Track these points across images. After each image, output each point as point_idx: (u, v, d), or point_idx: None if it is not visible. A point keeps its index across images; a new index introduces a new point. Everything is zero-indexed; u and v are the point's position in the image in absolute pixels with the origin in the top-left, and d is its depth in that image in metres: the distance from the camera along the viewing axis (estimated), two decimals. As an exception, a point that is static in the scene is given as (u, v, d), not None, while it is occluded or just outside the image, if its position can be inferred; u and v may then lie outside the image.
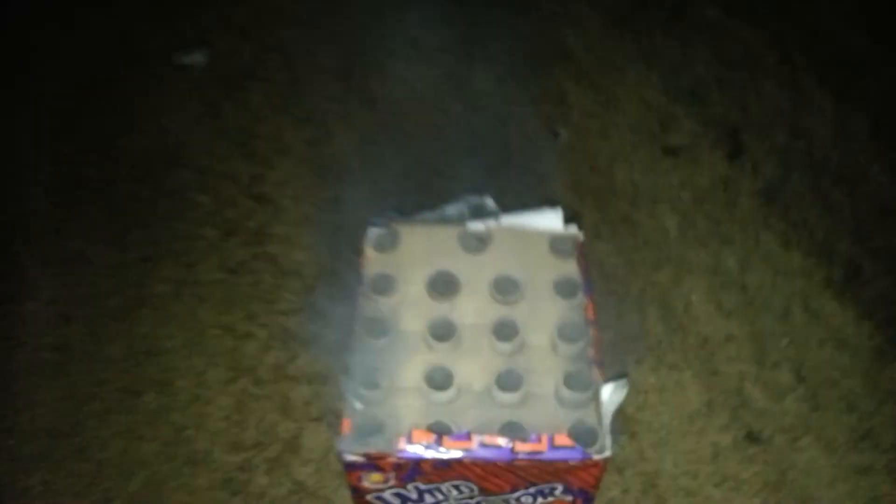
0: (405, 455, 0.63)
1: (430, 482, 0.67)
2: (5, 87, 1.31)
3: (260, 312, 1.01)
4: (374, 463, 0.64)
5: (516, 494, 0.68)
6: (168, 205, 1.16)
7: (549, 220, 0.81)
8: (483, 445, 0.63)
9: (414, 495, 0.69)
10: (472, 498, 0.69)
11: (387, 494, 0.69)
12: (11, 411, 0.90)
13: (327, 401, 0.90)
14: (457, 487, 0.68)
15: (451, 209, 0.82)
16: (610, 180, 1.19)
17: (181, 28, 1.45)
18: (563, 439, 0.63)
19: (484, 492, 0.68)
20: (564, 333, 0.71)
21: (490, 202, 0.83)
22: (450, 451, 0.63)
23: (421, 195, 1.05)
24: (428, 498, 0.69)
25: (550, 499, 0.69)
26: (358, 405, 0.66)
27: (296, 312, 1.01)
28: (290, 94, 1.34)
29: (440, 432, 0.63)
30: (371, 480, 0.67)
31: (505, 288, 0.75)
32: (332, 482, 0.85)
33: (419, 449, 0.63)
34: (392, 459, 0.63)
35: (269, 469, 0.86)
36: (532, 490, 0.68)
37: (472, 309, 0.74)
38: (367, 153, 1.23)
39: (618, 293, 1.02)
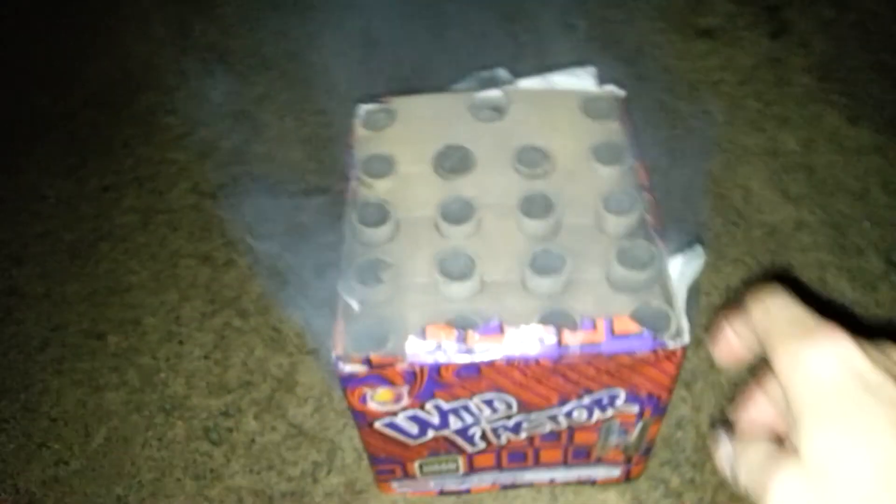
0: (419, 359, 0.47)
1: (455, 398, 0.51)
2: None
3: (241, 238, 0.86)
4: (380, 373, 0.48)
5: (566, 408, 0.53)
6: (132, 130, 1.01)
7: (581, 81, 0.65)
8: (521, 339, 0.47)
9: (435, 418, 0.54)
10: (509, 417, 0.54)
11: (401, 419, 0.53)
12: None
13: (324, 329, 0.75)
14: (489, 404, 0.52)
15: (458, 87, 0.66)
16: (639, 68, 1.02)
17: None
18: (625, 324, 0.47)
19: (524, 407, 0.53)
20: (612, 205, 0.55)
21: (504, 73, 0.67)
22: (477, 350, 0.47)
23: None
24: (453, 421, 0.54)
25: (610, 412, 0.54)
26: (355, 304, 0.51)
27: (283, 234, 0.85)
28: (266, 8, 1.18)
29: (464, 327, 0.48)
30: (379, 400, 0.51)
31: (531, 159, 0.59)
32: (335, 422, 0.70)
33: (437, 348, 0.47)
34: (403, 366, 0.48)
35: (259, 412, 0.71)
36: (587, 400, 0.52)
37: (492, 186, 0.58)
38: (358, 60, 1.07)
39: (662, 186, 0.85)
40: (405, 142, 0.61)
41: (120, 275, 0.84)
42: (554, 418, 0.54)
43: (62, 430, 0.72)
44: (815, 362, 0.28)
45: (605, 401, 0.52)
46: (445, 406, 0.52)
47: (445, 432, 0.55)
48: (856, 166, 0.88)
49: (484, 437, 0.56)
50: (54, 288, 0.83)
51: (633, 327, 0.47)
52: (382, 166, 0.59)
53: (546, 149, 0.59)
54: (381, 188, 0.58)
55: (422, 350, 0.47)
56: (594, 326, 0.47)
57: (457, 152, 0.60)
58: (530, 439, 0.57)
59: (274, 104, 1.02)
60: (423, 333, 0.47)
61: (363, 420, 0.53)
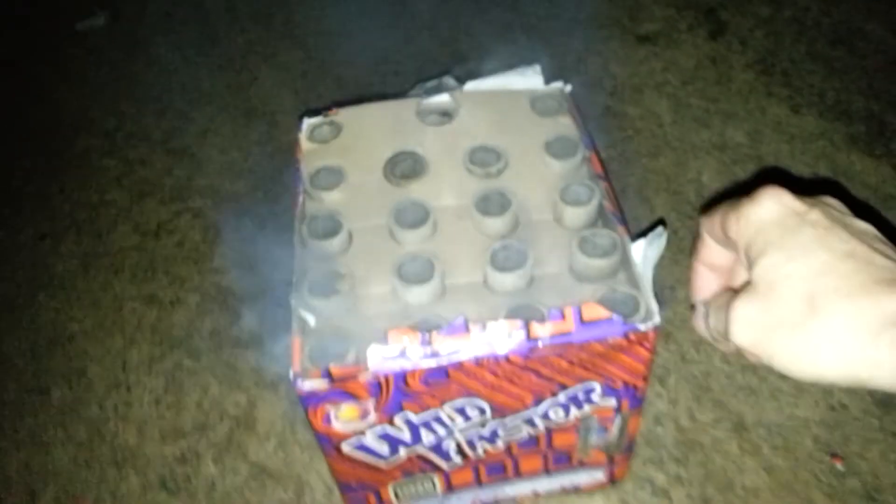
0: (383, 368, 0.44)
1: (425, 408, 0.48)
2: None
3: (189, 275, 0.82)
4: (342, 387, 0.45)
5: (542, 408, 0.50)
6: (68, 175, 0.96)
7: (527, 79, 0.63)
8: (487, 336, 0.45)
9: (406, 434, 0.50)
10: (483, 425, 0.51)
11: (369, 439, 0.50)
12: None
13: (272, 362, 0.72)
14: (461, 412, 0.49)
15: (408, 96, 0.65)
16: (582, 76, 1.02)
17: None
18: (594, 311, 0.45)
19: (498, 411, 0.50)
20: (570, 197, 0.53)
21: (450, 80, 0.65)
22: (444, 351, 0.44)
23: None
24: (425, 434, 0.51)
25: (588, 408, 0.51)
26: (311, 319, 0.48)
27: (234, 267, 0.82)
28: (204, 44, 1.16)
29: (427, 330, 0.45)
30: (344, 418, 0.48)
31: (484, 159, 0.57)
32: (301, 457, 0.66)
33: (401, 354, 0.44)
34: (366, 377, 0.45)
35: (218, 454, 0.67)
36: (562, 398, 0.50)
37: (446, 188, 0.55)
38: (299, 90, 1.05)
39: (616, 187, 0.84)
40: (353, 152, 0.59)
41: (61, 324, 0.79)
42: (530, 421, 0.51)
43: (4, 496, 0.66)
44: (759, 212, 0.34)
45: (581, 396, 0.50)
46: (415, 419, 0.49)
47: (418, 449, 0.52)
48: (804, 152, 0.88)
49: (459, 450, 0.53)
50: (-10, 344, 0.78)
51: (603, 313, 0.45)
52: (331, 178, 0.57)
53: (498, 148, 0.57)
54: (330, 200, 0.56)
55: (385, 357, 0.44)
56: (563, 316, 0.45)
57: (407, 158, 0.58)
58: (508, 448, 0.54)
59: (215, 138, 0.99)
60: (385, 340, 0.44)
61: (329, 444, 0.50)
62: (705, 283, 0.43)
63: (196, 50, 1.15)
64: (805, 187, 0.37)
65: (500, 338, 0.44)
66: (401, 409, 0.48)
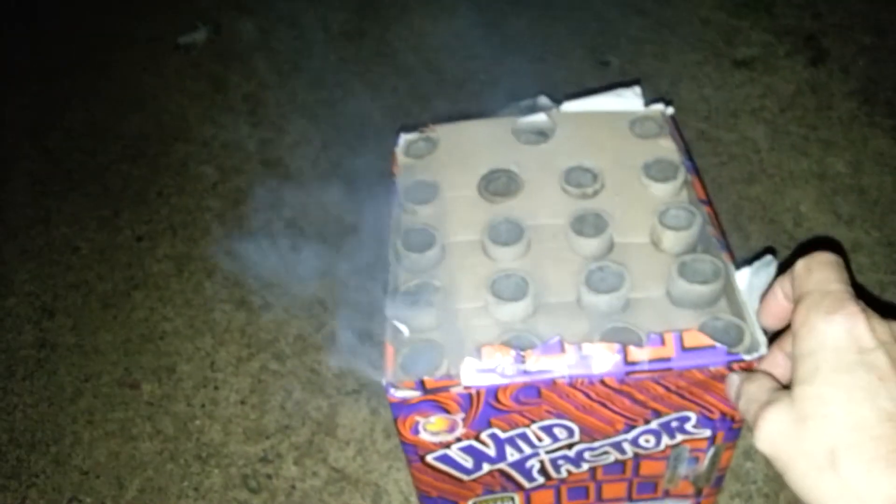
0: (475, 382, 0.44)
1: (513, 426, 0.48)
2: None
3: (277, 281, 0.84)
4: (433, 399, 0.45)
5: (632, 434, 0.49)
6: (166, 181, 1.00)
7: (626, 101, 0.62)
8: (583, 357, 0.44)
9: (492, 450, 0.50)
10: (570, 447, 0.50)
11: (454, 452, 0.50)
12: (-19, 420, 0.74)
13: (365, 369, 0.72)
14: (548, 431, 0.48)
15: (500, 114, 0.65)
16: (676, 100, 1.00)
17: (179, 11, 1.33)
18: (696, 338, 0.44)
19: (587, 433, 0.49)
20: (669, 220, 0.52)
21: (545, 99, 0.65)
22: (537, 370, 0.44)
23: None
24: (510, 452, 0.50)
25: (680, 437, 0.49)
26: (405, 329, 0.48)
27: (320, 276, 0.83)
28: (299, 60, 1.19)
29: (521, 347, 0.45)
30: (432, 429, 0.48)
31: (580, 179, 0.56)
32: (379, 465, 0.66)
33: (494, 370, 0.44)
34: (458, 390, 0.44)
35: (299, 457, 0.68)
36: (654, 425, 0.48)
37: (540, 207, 0.55)
38: (388, 106, 1.07)
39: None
40: (448, 167, 0.59)
41: (154, 322, 0.82)
42: (619, 447, 0.50)
43: (94, 482, 0.69)
44: (827, 332, 0.33)
45: (675, 424, 0.48)
46: (502, 435, 0.48)
47: (502, 465, 0.51)
48: (910, 186, 0.84)
49: (543, 470, 0.52)
50: (87, 338, 0.81)
51: (705, 341, 0.43)
52: (426, 192, 0.57)
53: (594, 169, 0.57)
54: (425, 214, 0.56)
55: (478, 371, 0.44)
56: (662, 342, 0.43)
57: (502, 175, 0.58)
58: (592, 472, 0.52)
59: (307, 150, 1.02)
60: (478, 354, 0.44)
61: (414, 454, 0.50)
62: (776, 308, 0.41)
63: (291, 65, 1.18)
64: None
65: (597, 359, 0.43)
66: (489, 425, 0.47)
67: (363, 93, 1.11)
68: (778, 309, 0.40)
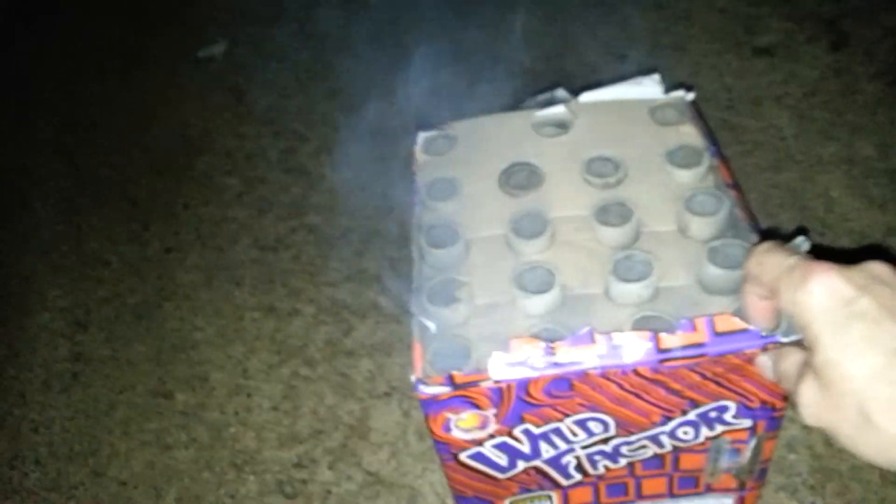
0: (505, 375, 0.44)
1: (546, 420, 0.47)
2: (17, 100, 1.22)
3: (305, 287, 0.84)
4: (463, 394, 0.45)
5: (670, 427, 0.48)
6: (192, 192, 1.01)
7: (645, 89, 0.62)
8: (614, 347, 0.43)
9: (525, 446, 0.49)
10: (606, 442, 0.49)
11: (488, 449, 0.49)
12: (18, 436, 0.75)
13: (395, 372, 0.72)
14: (583, 425, 0.48)
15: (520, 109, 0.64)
16: (697, 90, 0.99)
17: (198, 25, 1.34)
18: (729, 323, 0.43)
19: (623, 426, 0.48)
20: (696, 206, 0.51)
21: (563, 92, 0.64)
22: (568, 361, 0.43)
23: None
24: (545, 448, 0.50)
25: (719, 428, 0.49)
26: (432, 326, 0.48)
27: (346, 281, 0.84)
28: (319, 70, 1.20)
29: (551, 339, 0.44)
30: (463, 426, 0.47)
31: (602, 169, 0.56)
32: (413, 467, 0.66)
33: (524, 362, 0.44)
34: (488, 384, 0.44)
35: (333, 461, 0.68)
36: (692, 416, 0.48)
37: (563, 199, 0.54)
38: (408, 112, 1.07)
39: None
40: (468, 163, 0.59)
41: (185, 332, 0.82)
42: (656, 439, 0.49)
43: (132, 493, 0.69)
44: (808, 299, 0.34)
45: (714, 415, 0.47)
46: (536, 430, 0.48)
47: (537, 462, 0.51)
48: (942, 166, 0.82)
49: (579, 466, 0.51)
50: (120, 350, 0.82)
51: (738, 325, 0.43)
52: (446, 189, 0.57)
53: (616, 158, 0.56)
54: (446, 210, 0.56)
55: (507, 365, 0.44)
56: (694, 327, 0.43)
57: (523, 169, 0.57)
58: (631, 467, 0.52)
59: (329, 158, 1.02)
60: (507, 347, 0.44)
61: (447, 452, 0.49)
62: (758, 310, 0.41)
63: (310, 75, 1.19)
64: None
65: (628, 348, 0.43)
66: (521, 420, 0.47)
67: (383, 99, 1.11)
68: (762, 310, 0.40)
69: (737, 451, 0.51)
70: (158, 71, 1.26)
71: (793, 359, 0.37)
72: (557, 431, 0.48)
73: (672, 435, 0.49)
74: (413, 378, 0.45)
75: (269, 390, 0.75)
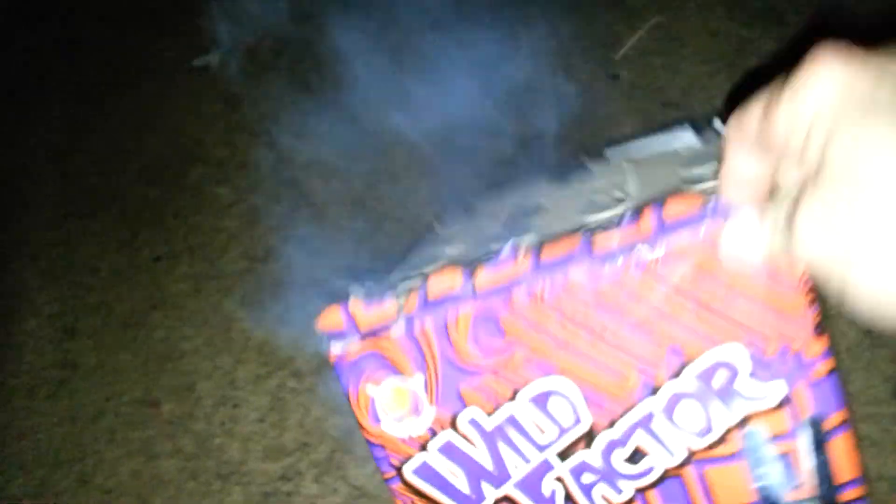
0: (411, 312, 0.36)
1: (492, 397, 0.37)
2: (9, 108, 1.22)
3: (294, 298, 0.84)
4: (377, 349, 0.38)
5: (661, 401, 0.35)
6: (183, 202, 1.01)
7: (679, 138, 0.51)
8: (541, 262, 0.35)
9: (483, 452, 0.39)
10: (588, 443, 0.37)
11: (435, 457, 0.39)
12: (3, 442, 0.75)
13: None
14: (542, 404, 0.37)
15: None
16: (688, 111, 1.00)
17: (194, 34, 1.35)
18: (681, 206, 0.34)
19: (595, 400, 0.36)
20: None
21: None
22: (484, 287, 0.36)
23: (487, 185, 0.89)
24: (510, 458, 0.38)
25: (741, 407, 0.35)
26: (360, 290, 0.41)
27: (335, 294, 0.84)
28: (314, 80, 1.20)
29: (471, 265, 0.37)
30: (392, 410, 0.39)
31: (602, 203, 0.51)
32: (398, 482, 0.66)
33: (438, 298, 0.36)
34: (399, 329, 0.37)
35: (318, 474, 0.68)
36: (688, 380, 0.34)
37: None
38: (410, 128, 1.08)
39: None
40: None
41: (173, 342, 0.82)
42: (647, 425, 0.36)
43: (117, 501, 0.69)
44: (818, 83, 0.26)
45: (721, 378, 0.34)
46: (486, 423, 0.38)
47: (508, 488, 0.39)
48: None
49: (568, 497, 0.39)
50: (107, 358, 0.82)
51: (694, 205, 0.33)
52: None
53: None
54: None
55: (422, 304, 0.37)
56: (639, 219, 0.34)
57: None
58: (643, 498, 0.38)
59: (322, 170, 1.02)
60: (424, 286, 0.37)
61: (388, 465, 0.42)
62: (741, 176, 0.32)
63: (304, 86, 1.19)
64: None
65: (556, 260, 0.34)
66: (461, 400, 0.38)
67: (378, 112, 1.11)
68: (746, 174, 0.31)
69: (788, 461, 0.34)
70: (152, 80, 1.27)
71: (780, 207, 0.29)
72: (514, 422, 0.38)
73: (669, 416, 0.35)
74: (320, 333, 0.40)
75: (256, 401, 0.75)
